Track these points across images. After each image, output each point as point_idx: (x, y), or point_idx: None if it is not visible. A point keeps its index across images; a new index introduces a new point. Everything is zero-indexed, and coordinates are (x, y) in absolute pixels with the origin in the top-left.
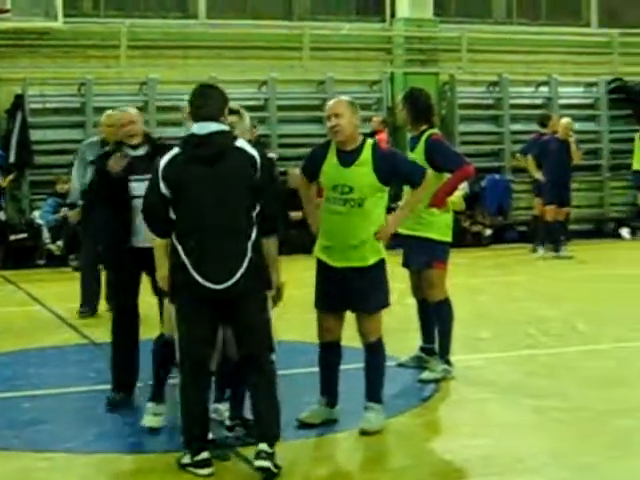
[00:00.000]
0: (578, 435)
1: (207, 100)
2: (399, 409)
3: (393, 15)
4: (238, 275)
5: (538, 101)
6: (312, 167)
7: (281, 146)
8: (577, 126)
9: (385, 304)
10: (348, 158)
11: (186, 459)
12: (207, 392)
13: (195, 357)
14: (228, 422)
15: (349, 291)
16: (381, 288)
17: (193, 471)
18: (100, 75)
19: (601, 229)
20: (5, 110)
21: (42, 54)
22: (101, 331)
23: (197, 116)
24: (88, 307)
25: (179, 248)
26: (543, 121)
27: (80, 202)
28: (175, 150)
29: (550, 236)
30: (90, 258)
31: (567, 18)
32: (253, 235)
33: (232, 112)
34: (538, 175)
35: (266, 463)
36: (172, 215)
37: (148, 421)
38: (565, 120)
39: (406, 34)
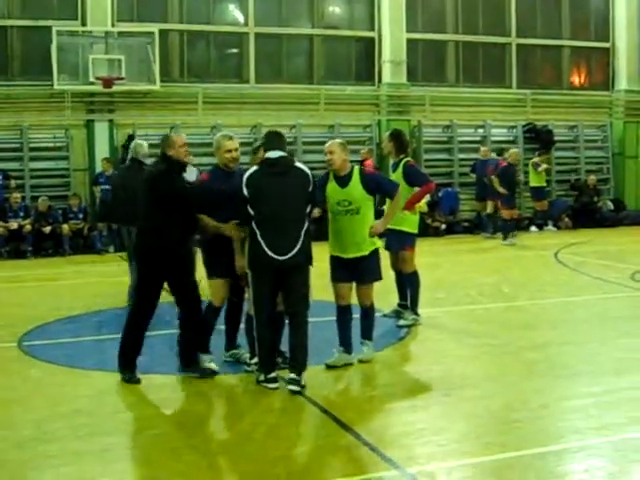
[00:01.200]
0: (503, 363)
1: (276, 137)
2: (383, 345)
3: (380, 81)
4: (294, 251)
5: (477, 138)
6: (320, 193)
7: None
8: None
9: (378, 278)
10: (343, 181)
11: (261, 377)
12: (274, 331)
13: (263, 307)
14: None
15: (354, 271)
16: (375, 268)
17: (266, 385)
18: (184, 121)
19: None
20: (122, 145)
21: (146, 107)
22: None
23: (270, 147)
24: None
25: (257, 232)
26: (499, 152)
27: None
28: (254, 168)
29: (505, 229)
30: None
31: (496, 82)
32: (305, 225)
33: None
34: (502, 190)
35: (294, 387)
36: (250, 210)
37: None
38: (514, 151)
39: (388, 93)
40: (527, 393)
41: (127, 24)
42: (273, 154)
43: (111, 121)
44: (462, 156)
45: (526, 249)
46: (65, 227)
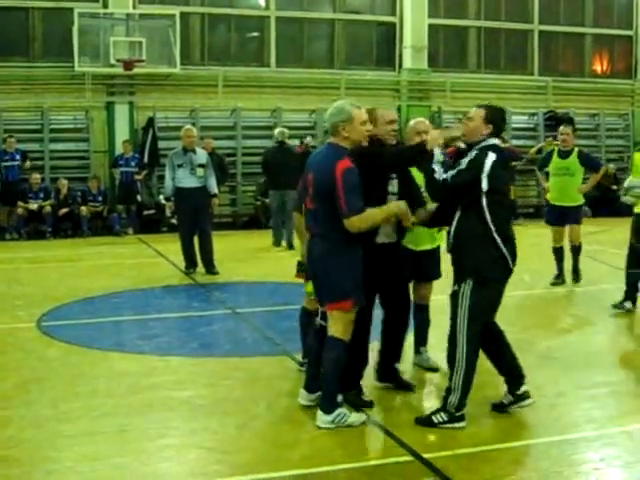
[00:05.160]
0: (519, 350)
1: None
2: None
3: (400, 66)
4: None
5: None
6: None
7: None
8: (523, 142)
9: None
10: None
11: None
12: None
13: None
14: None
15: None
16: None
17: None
18: (204, 104)
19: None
20: (142, 127)
21: (166, 90)
22: (201, 275)
23: (499, 133)
24: (191, 265)
25: (498, 239)
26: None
27: (172, 196)
28: (493, 156)
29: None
30: (185, 232)
31: (518, 69)
32: None
33: None
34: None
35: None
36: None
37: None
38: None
39: (409, 79)
40: (542, 381)
41: (148, 6)
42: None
43: (131, 103)
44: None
45: (545, 237)
46: (83, 209)
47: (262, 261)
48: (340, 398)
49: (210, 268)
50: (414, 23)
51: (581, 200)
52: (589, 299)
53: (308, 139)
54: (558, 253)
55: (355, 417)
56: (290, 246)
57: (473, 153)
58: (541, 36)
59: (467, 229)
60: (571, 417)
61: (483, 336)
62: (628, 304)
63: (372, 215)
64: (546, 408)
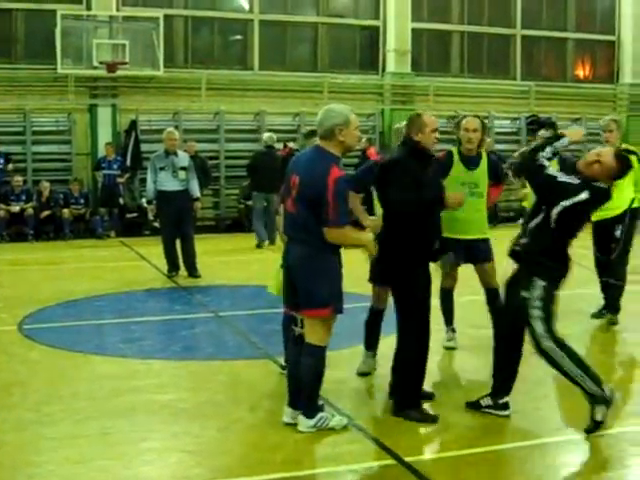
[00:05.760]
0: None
1: None
2: (388, 333)
3: (384, 70)
4: None
5: None
6: None
7: None
8: (505, 147)
9: None
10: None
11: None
12: None
13: None
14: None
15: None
16: None
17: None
18: (187, 107)
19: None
20: (124, 130)
21: (149, 92)
22: (183, 278)
23: None
24: (173, 268)
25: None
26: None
27: (153, 199)
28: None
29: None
30: (168, 235)
31: (500, 73)
32: None
33: None
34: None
35: None
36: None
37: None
38: (488, 140)
39: (392, 83)
40: (529, 383)
41: (132, 9)
42: None
43: (114, 106)
44: (467, 147)
45: None
46: (66, 211)
47: (245, 264)
48: (321, 402)
49: (192, 271)
50: (397, 27)
51: None
52: (573, 303)
53: (292, 144)
54: None
55: (336, 421)
56: (272, 242)
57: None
58: (524, 41)
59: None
60: (554, 421)
61: (511, 338)
62: (604, 311)
63: (349, 235)
64: (530, 411)
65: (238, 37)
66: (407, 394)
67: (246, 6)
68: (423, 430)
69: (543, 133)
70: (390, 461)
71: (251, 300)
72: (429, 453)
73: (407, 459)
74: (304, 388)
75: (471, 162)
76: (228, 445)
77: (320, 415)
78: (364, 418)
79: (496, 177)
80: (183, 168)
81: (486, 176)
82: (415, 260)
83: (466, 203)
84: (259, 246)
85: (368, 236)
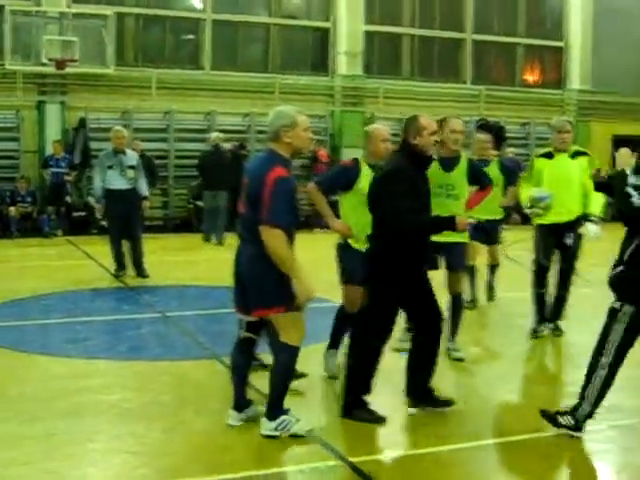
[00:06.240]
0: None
1: None
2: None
3: (335, 72)
4: None
5: None
6: None
7: None
8: None
9: None
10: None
11: None
12: None
13: None
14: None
15: None
16: None
17: None
18: (137, 106)
19: None
20: (73, 128)
21: (99, 90)
22: (131, 278)
23: None
24: (121, 268)
25: None
26: None
27: (101, 198)
28: None
29: None
30: (115, 235)
31: (451, 77)
32: None
33: None
34: None
35: None
36: None
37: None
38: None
39: (343, 85)
40: (487, 387)
41: (82, 6)
42: None
43: (63, 103)
44: (453, 147)
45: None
46: (12, 210)
47: (193, 265)
48: (287, 407)
49: (140, 271)
50: (349, 29)
51: (501, 214)
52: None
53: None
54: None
55: (300, 426)
56: (220, 242)
57: None
58: (474, 45)
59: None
60: (504, 422)
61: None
62: (544, 327)
63: (280, 240)
64: (477, 413)
65: (190, 36)
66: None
67: (198, 5)
68: (370, 431)
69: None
70: (336, 462)
71: (199, 300)
72: (375, 454)
73: (352, 460)
74: (271, 388)
75: (447, 164)
76: (173, 446)
77: (283, 418)
78: (311, 419)
79: (477, 181)
80: (131, 167)
81: (464, 179)
82: (411, 266)
83: (442, 205)
84: (207, 240)
85: (302, 283)
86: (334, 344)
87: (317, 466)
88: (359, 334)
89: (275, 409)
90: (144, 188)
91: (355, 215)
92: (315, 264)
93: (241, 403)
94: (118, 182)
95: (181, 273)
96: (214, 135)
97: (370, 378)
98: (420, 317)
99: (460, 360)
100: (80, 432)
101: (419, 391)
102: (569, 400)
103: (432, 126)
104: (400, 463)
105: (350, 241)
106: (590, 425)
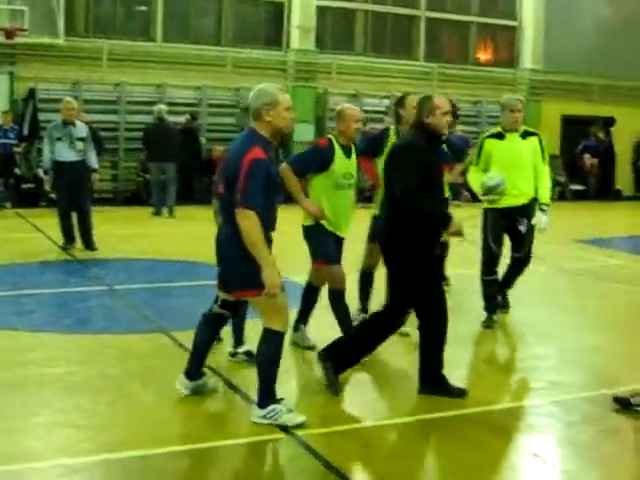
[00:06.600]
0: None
1: None
2: None
3: (288, 46)
4: None
5: (382, 109)
6: None
7: (208, 131)
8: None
9: None
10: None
11: None
12: None
13: None
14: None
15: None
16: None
17: None
18: (88, 77)
19: None
20: (22, 99)
21: (49, 61)
22: (79, 251)
23: None
24: (69, 241)
25: None
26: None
27: (50, 170)
28: None
29: None
30: (64, 207)
31: (404, 54)
32: None
33: None
34: None
35: None
36: None
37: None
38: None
39: (296, 60)
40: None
41: None
42: None
43: (11, 73)
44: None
45: None
46: None
47: (142, 238)
48: (281, 397)
49: (89, 244)
50: (302, 3)
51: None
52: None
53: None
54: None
55: (289, 417)
56: (171, 212)
57: None
58: (427, 22)
59: None
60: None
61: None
62: (495, 316)
63: (253, 223)
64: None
65: (142, 8)
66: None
67: None
68: (319, 405)
69: None
70: (280, 435)
71: (147, 273)
72: (320, 427)
73: (298, 433)
74: (260, 376)
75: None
76: (118, 419)
77: (273, 407)
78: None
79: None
80: (81, 139)
81: None
82: (424, 242)
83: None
84: (157, 213)
85: (271, 272)
86: (304, 319)
87: (262, 439)
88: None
89: (264, 397)
90: (93, 160)
91: (326, 196)
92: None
93: (194, 373)
94: (67, 154)
95: (129, 246)
96: (158, 108)
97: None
98: (426, 304)
99: (406, 335)
100: (24, 405)
101: (432, 379)
102: (520, 375)
103: (445, 106)
104: (342, 436)
105: (323, 222)
106: (531, 400)
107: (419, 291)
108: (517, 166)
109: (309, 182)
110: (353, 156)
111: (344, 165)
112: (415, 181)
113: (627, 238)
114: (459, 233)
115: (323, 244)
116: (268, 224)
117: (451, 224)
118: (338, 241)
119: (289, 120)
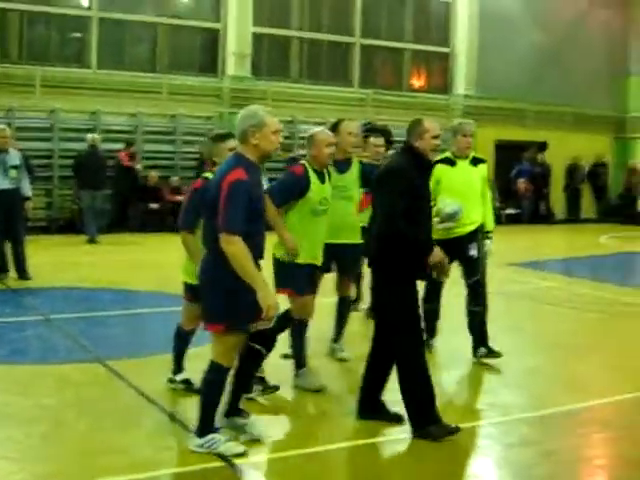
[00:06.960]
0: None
1: None
2: None
3: (223, 73)
4: None
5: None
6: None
7: (145, 159)
8: None
9: None
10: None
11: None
12: None
13: None
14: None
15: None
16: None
17: None
18: (22, 104)
19: None
20: None
21: None
22: (14, 280)
23: None
24: (2, 270)
25: None
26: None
27: None
28: None
29: None
30: None
31: (339, 80)
32: None
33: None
34: None
35: None
36: None
37: None
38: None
39: (231, 86)
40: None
41: None
42: None
43: None
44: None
45: None
46: None
47: (77, 266)
48: (222, 423)
49: (23, 273)
50: (238, 30)
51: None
52: None
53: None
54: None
55: (227, 446)
56: (93, 241)
57: None
58: (362, 49)
59: None
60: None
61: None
62: (431, 341)
63: (239, 248)
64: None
65: (76, 34)
66: None
67: (85, 3)
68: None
69: None
70: (218, 463)
71: (83, 302)
72: (256, 455)
73: (236, 461)
74: (199, 405)
75: (342, 166)
76: (52, 450)
77: (211, 436)
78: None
79: (368, 183)
80: (14, 167)
81: (357, 182)
82: (406, 275)
83: (338, 207)
84: (91, 241)
85: (267, 294)
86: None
87: (196, 469)
88: (403, 359)
89: (203, 426)
90: (27, 188)
91: (302, 224)
92: None
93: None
94: (0, 182)
95: (65, 275)
96: (90, 136)
97: (432, 392)
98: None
99: (344, 360)
100: None
101: (370, 403)
102: (459, 397)
103: (435, 129)
104: (283, 463)
105: (290, 257)
106: (471, 422)
107: (415, 305)
108: (467, 195)
109: (285, 210)
110: (327, 182)
111: (320, 191)
112: (402, 205)
113: (561, 260)
114: (441, 266)
115: (294, 276)
116: (256, 250)
117: (432, 254)
118: (313, 271)
119: (277, 144)
